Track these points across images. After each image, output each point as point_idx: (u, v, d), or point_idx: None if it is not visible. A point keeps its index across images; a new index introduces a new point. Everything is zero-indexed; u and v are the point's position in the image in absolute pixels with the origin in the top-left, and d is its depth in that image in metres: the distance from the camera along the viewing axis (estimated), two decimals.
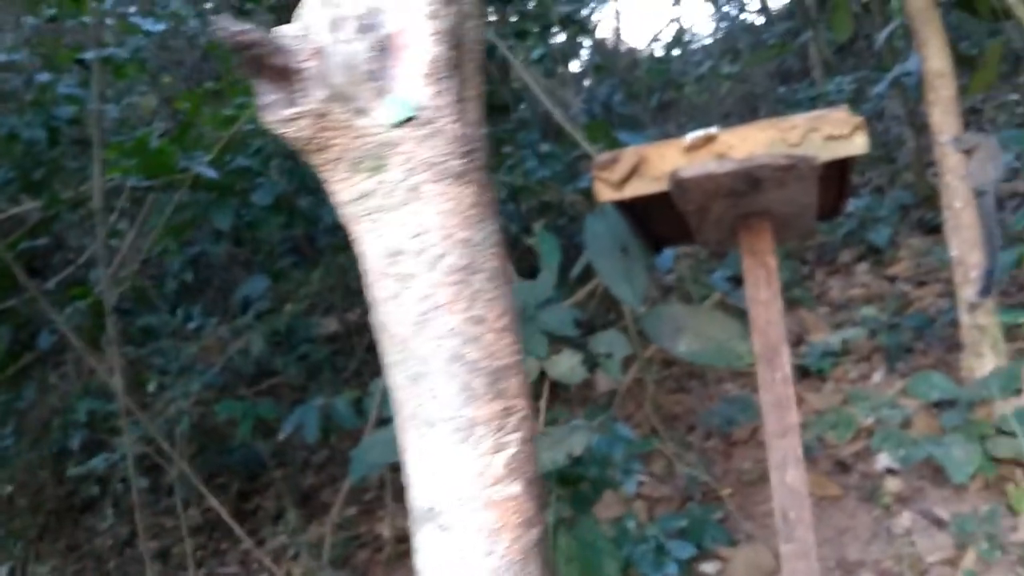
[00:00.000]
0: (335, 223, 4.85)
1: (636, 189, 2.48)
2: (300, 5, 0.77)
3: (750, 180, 2.37)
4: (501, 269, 0.75)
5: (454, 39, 0.74)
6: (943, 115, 3.59)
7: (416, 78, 0.73)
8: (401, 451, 0.80)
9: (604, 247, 3.11)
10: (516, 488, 0.75)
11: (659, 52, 11.02)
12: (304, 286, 5.24)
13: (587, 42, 10.51)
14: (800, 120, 2.39)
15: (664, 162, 2.45)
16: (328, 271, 5.18)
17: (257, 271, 5.45)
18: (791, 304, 5.65)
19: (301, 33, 0.73)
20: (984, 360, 3.47)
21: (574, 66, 10.37)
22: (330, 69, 0.72)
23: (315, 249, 5.23)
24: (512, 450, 0.74)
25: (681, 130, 7.74)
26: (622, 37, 13.28)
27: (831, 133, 2.40)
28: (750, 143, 2.42)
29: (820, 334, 4.99)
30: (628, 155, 2.49)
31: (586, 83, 9.95)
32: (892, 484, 3.49)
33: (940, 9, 4.71)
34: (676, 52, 10.61)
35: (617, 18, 13.74)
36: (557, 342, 3.10)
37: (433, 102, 0.73)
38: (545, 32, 7.81)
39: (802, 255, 6.45)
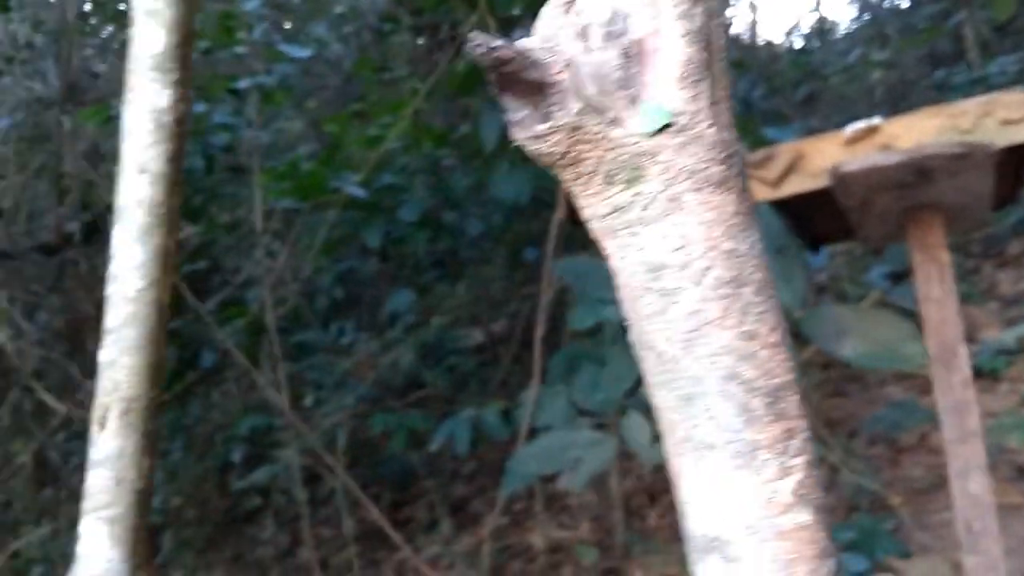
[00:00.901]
0: (479, 236, 4.92)
1: (794, 186, 2.39)
2: (538, 17, 0.77)
3: (920, 171, 2.25)
4: (767, 280, 0.72)
5: (703, 39, 0.72)
6: None
7: (669, 83, 0.71)
8: (674, 475, 0.77)
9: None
10: (806, 516, 0.71)
11: (799, 44, 10.70)
12: (449, 299, 5.34)
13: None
14: (971, 105, 2.26)
15: (823, 157, 2.35)
16: (472, 284, 5.25)
17: (403, 286, 5.59)
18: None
19: (548, 45, 0.73)
20: None
21: None
22: (581, 80, 0.71)
23: (458, 262, 5.31)
24: (798, 475, 0.71)
25: (827, 123, 7.46)
26: (759, 31, 12.96)
27: (1006, 117, 2.25)
28: (917, 132, 2.29)
29: (992, 331, 4.69)
30: (784, 151, 2.41)
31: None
32: None
33: None
34: (817, 43, 10.27)
35: (753, 11, 13.43)
36: None
37: (688, 107, 0.71)
38: None
39: (967, 247, 6.08)
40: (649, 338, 0.71)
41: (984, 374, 4.25)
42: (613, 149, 0.72)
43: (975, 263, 5.82)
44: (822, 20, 10.84)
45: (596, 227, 0.75)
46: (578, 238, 4.40)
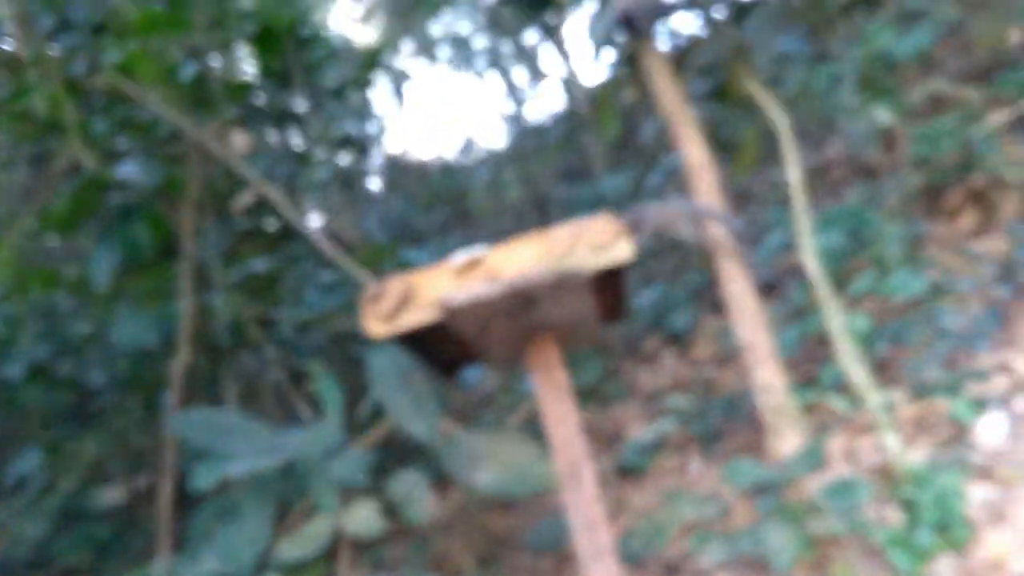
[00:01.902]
0: (105, 385, 4.40)
1: (409, 320, 2.34)
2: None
3: (523, 299, 2.29)
4: None
5: None
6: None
7: None
8: None
9: (390, 382, 2.91)
10: None
11: (448, 162, 11.22)
12: (81, 457, 4.69)
13: (378, 160, 10.56)
14: (564, 232, 2.34)
15: (433, 289, 2.33)
16: (105, 437, 4.67)
17: (29, 445, 4.85)
18: (605, 400, 5.63)
19: None
20: (786, 439, 3.50)
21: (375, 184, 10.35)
22: None
23: (87, 414, 4.71)
24: None
25: (470, 240, 7.80)
26: (413, 151, 13.47)
27: (595, 242, 2.36)
28: (518, 260, 2.33)
29: (636, 428, 4.96)
30: (396, 285, 2.35)
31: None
32: None
33: (697, 101, 4.97)
34: (466, 161, 10.84)
35: (407, 133, 13.97)
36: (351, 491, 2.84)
37: None
38: (336, 153, 7.73)
39: (611, 347, 6.49)
40: None
41: (632, 472, 4.45)
42: None
43: (617, 363, 6.23)
44: (469, 140, 11.56)
45: None
46: (209, 383, 4.06)
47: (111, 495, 4.75)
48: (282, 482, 2.72)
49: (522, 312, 2.37)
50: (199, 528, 3.12)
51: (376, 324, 2.35)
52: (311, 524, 2.75)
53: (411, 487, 2.79)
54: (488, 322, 2.38)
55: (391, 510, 2.80)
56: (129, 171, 3.71)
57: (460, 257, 2.32)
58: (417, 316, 2.34)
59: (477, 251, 2.35)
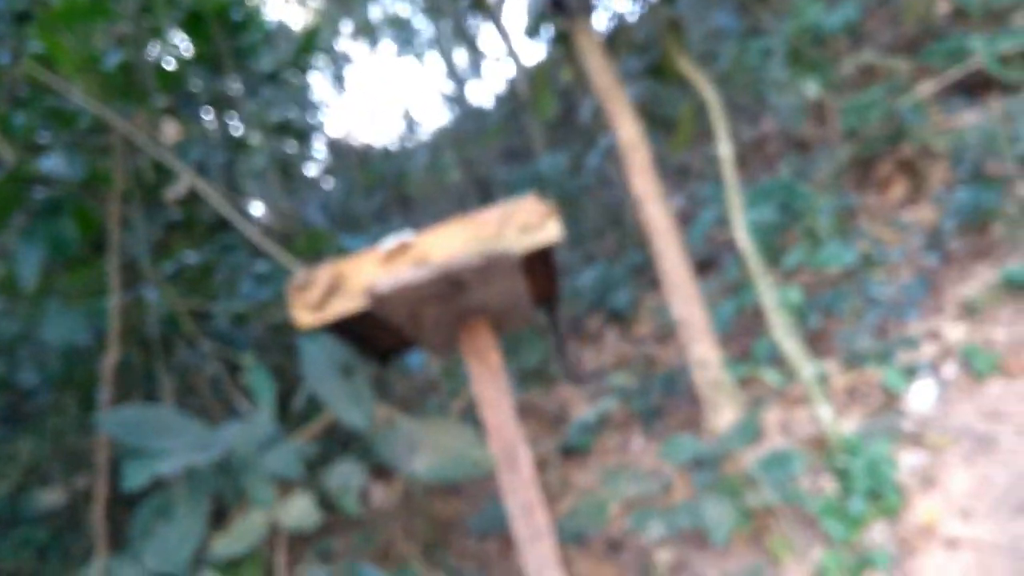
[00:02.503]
0: (39, 384, 4.28)
1: (338, 308, 2.30)
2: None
3: (452, 283, 2.26)
4: None
5: None
6: (642, 181, 3.69)
7: None
8: None
9: (323, 371, 2.88)
10: None
11: (391, 145, 11.11)
12: (15, 459, 4.56)
13: (320, 144, 10.41)
14: (492, 215, 2.32)
15: (362, 276, 2.29)
16: (41, 438, 4.54)
17: None
18: (550, 381, 5.65)
19: None
20: (723, 413, 3.54)
21: (314, 169, 10.21)
22: None
23: (21, 415, 4.58)
24: None
25: (411, 224, 7.74)
26: (355, 135, 13.30)
27: (525, 223, 2.34)
28: (447, 244, 2.31)
29: (580, 407, 4.98)
30: (324, 274, 2.32)
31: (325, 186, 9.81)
32: (664, 555, 3.44)
33: (632, 79, 4.98)
34: (409, 144, 10.75)
35: (350, 116, 13.82)
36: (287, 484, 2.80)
37: None
38: (274, 138, 7.59)
39: (556, 327, 6.50)
40: None
41: (576, 451, 4.47)
42: None
43: (563, 342, 6.26)
44: (410, 123, 11.47)
45: None
46: (144, 379, 3.97)
47: (50, 497, 4.64)
48: (217, 477, 2.68)
49: (452, 296, 2.35)
50: (138, 527, 3.06)
51: (304, 313, 2.31)
52: (246, 519, 2.72)
53: (346, 478, 2.76)
54: (419, 307, 2.35)
55: (328, 502, 2.77)
56: (53, 164, 3.59)
57: (388, 243, 2.29)
58: (346, 304, 2.31)
59: (405, 236, 2.32)
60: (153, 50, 6.31)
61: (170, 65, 6.57)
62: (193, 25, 6.16)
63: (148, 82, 5.48)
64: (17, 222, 4.15)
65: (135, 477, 2.72)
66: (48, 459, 4.59)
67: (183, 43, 6.99)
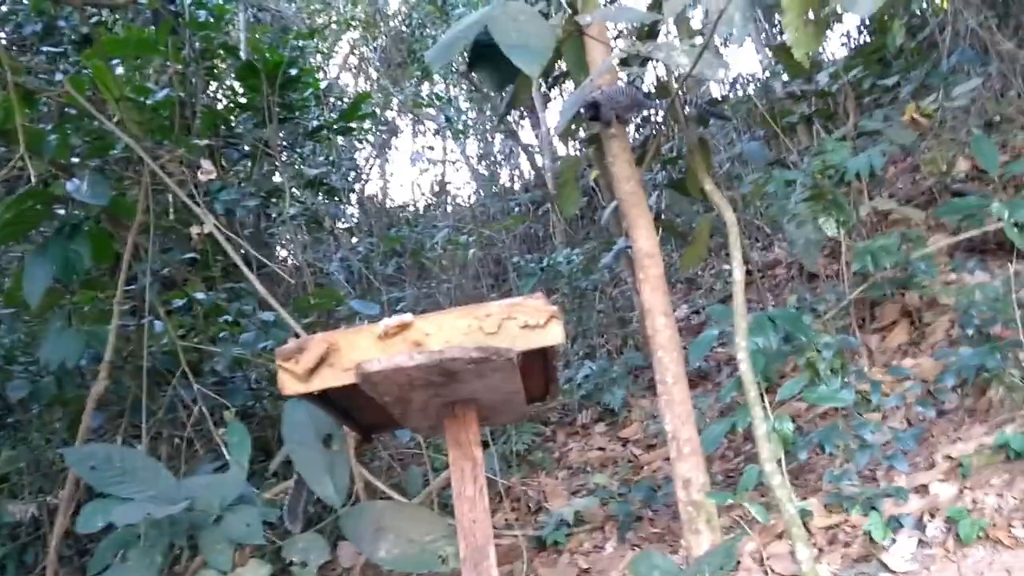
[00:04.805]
0: (30, 398, 4.29)
1: (325, 381, 2.27)
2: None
3: (445, 373, 2.25)
4: None
5: None
6: (652, 292, 3.72)
7: None
8: None
9: (304, 437, 2.87)
10: None
11: (418, 213, 11.26)
12: None
13: (352, 204, 10.57)
14: (496, 308, 2.30)
15: (355, 351, 2.27)
16: (23, 451, 4.53)
17: None
18: (533, 468, 5.62)
19: None
20: (701, 537, 3.49)
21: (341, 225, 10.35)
22: None
23: (4, 426, 4.58)
24: None
25: (423, 292, 7.85)
26: (387, 196, 13.53)
27: (527, 322, 2.31)
28: (446, 331, 2.29)
29: (559, 501, 4.94)
30: (315, 343, 2.30)
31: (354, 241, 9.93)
32: None
33: (654, 189, 5.08)
34: (434, 214, 10.89)
35: (385, 176, 14.05)
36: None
37: None
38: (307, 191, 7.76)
39: (546, 416, 6.50)
40: None
41: (548, 546, 4.41)
42: None
43: (552, 430, 6.25)
44: (440, 193, 11.65)
45: None
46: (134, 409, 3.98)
47: (18, 509, 4.60)
48: (177, 527, 2.65)
49: (444, 385, 2.33)
50: (99, 561, 3.03)
51: (290, 382, 2.29)
52: None
53: (307, 552, 2.72)
54: (407, 392, 2.34)
55: (287, 572, 2.74)
56: (77, 187, 3.67)
57: (387, 321, 2.28)
58: (334, 378, 2.28)
59: (406, 317, 2.32)
60: (204, 93, 6.50)
61: (218, 107, 6.74)
62: (247, 74, 6.36)
63: (192, 121, 5.63)
64: (34, 239, 4.22)
65: (89, 521, 2.69)
66: (23, 472, 4.57)
67: (235, 89, 7.21)
